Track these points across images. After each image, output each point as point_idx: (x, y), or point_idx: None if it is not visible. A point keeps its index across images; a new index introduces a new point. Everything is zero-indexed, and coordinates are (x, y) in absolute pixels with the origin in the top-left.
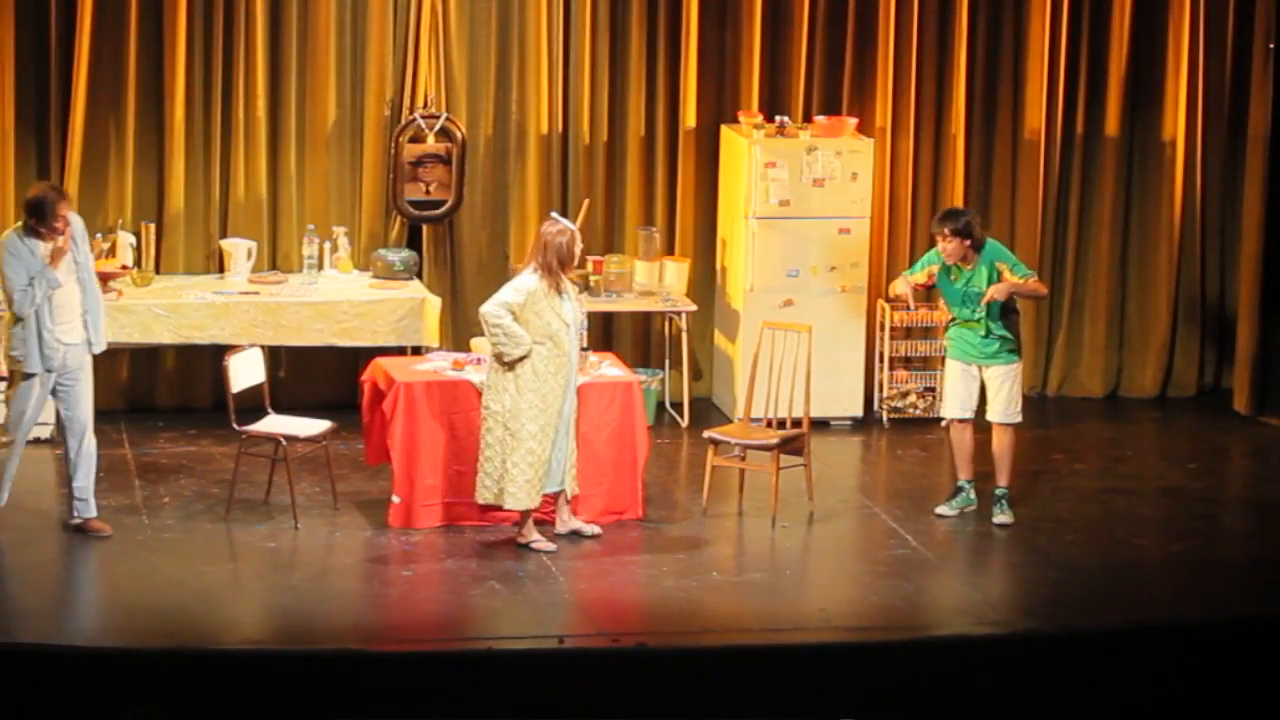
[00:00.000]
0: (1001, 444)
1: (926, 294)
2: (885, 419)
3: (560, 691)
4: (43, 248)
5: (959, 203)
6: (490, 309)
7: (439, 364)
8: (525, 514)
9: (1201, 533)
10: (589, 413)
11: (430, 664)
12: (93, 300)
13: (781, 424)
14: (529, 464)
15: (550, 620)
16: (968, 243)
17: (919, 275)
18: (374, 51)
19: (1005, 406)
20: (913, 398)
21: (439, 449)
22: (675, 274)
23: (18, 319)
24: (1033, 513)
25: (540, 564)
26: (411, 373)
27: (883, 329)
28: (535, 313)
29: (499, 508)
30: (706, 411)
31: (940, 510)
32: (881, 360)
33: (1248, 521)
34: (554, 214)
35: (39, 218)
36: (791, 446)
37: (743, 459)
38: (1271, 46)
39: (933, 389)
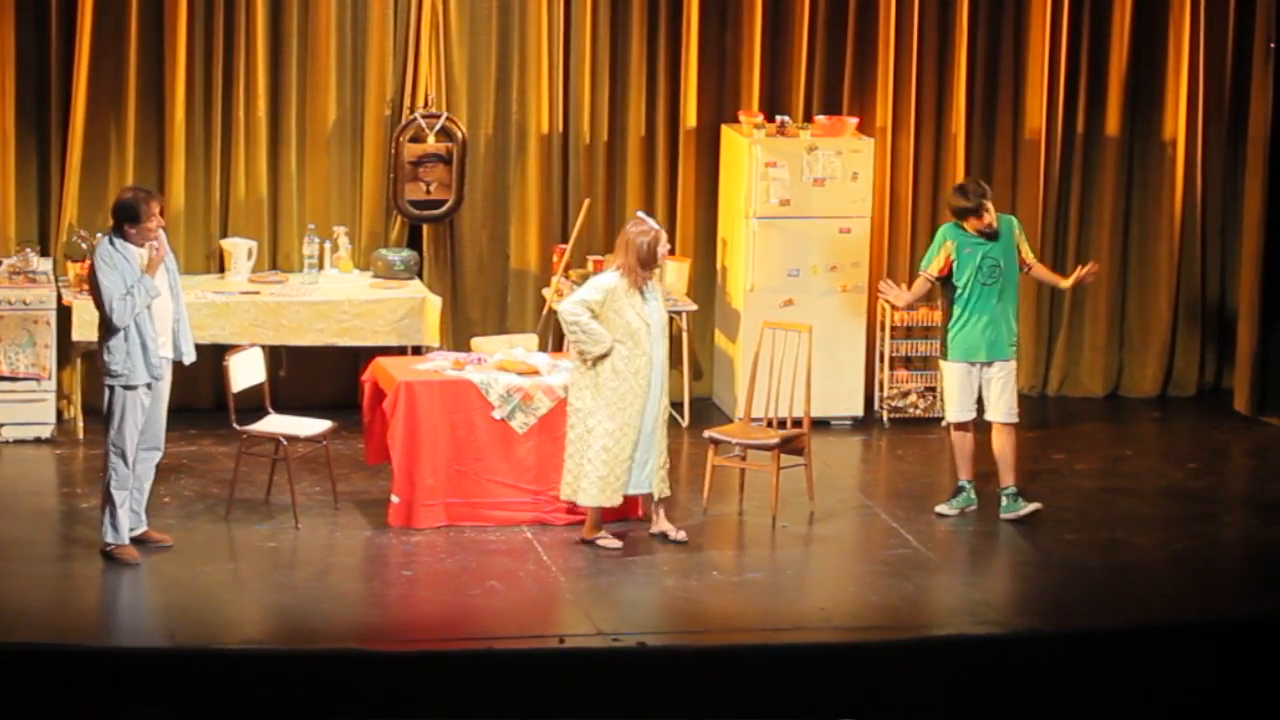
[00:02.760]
0: (1004, 444)
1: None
2: (886, 419)
3: (560, 691)
4: (138, 254)
5: None
6: (568, 307)
7: (440, 364)
8: (595, 511)
9: (1201, 533)
10: None
11: (430, 664)
12: (182, 309)
13: (782, 423)
14: (603, 461)
15: (550, 620)
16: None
17: (935, 265)
18: (374, 51)
19: (1008, 406)
20: (913, 397)
21: (439, 449)
22: (676, 274)
23: (115, 331)
24: (973, 515)
25: (540, 564)
26: (412, 372)
27: (883, 329)
28: (615, 311)
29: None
30: (707, 411)
31: (941, 510)
32: (882, 360)
33: (1248, 521)
34: (640, 213)
35: (132, 220)
36: (792, 446)
37: (743, 458)
38: (1272, 46)
39: (933, 389)
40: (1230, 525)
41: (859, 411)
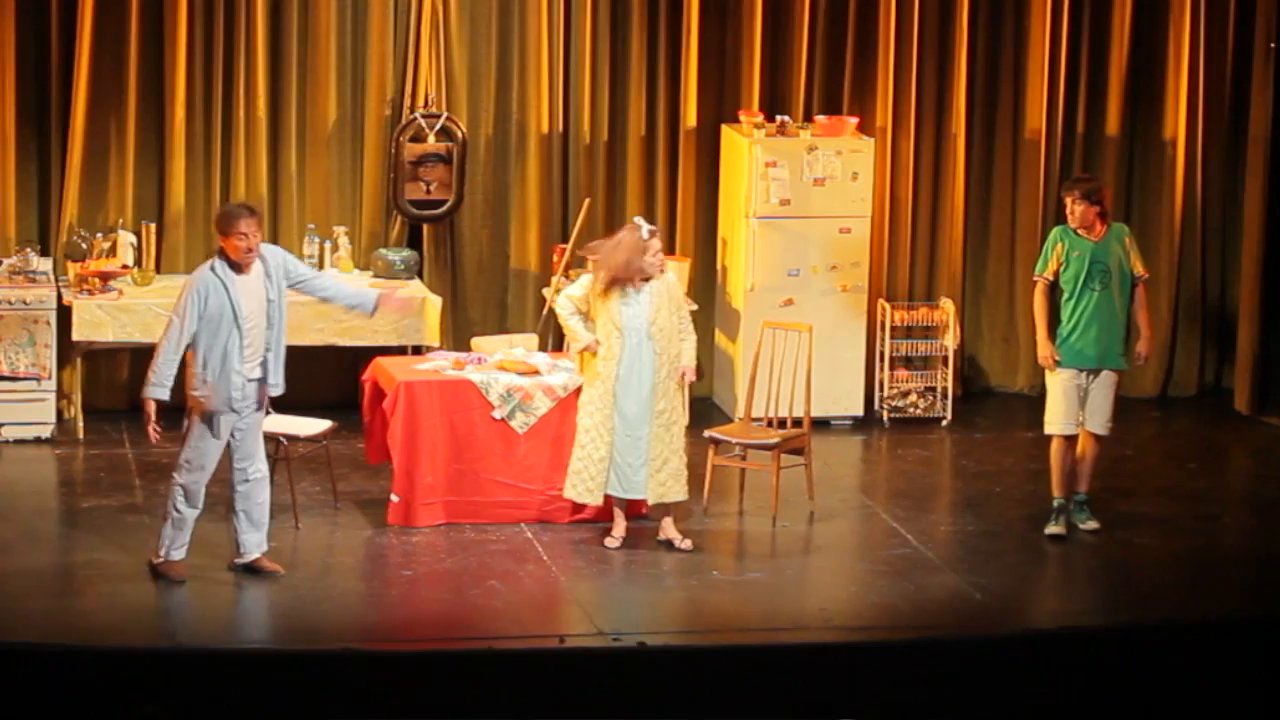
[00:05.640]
0: (1090, 452)
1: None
2: (885, 418)
3: (560, 691)
4: (240, 282)
5: (960, 201)
6: (559, 299)
7: (439, 363)
8: (618, 512)
9: (1202, 533)
10: None
11: (430, 664)
12: (279, 338)
13: (782, 423)
14: (579, 458)
15: (550, 620)
16: (1096, 209)
17: (1049, 268)
18: (374, 51)
19: (1105, 417)
20: (913, 397)
21: (439, 448)
22: (676, 273)
23: (163, 341)
24: (1034, 513)
25: (540, 564)
26: (412, 372)
27: (883, 328)
28: (598, 310)
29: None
30: (707, 411)
31: (1051, 531)
32: (882, 360)
33: (1248, 521)
34: (637, 219)
35: (221, 230)
36: (792, 446)
37: (743, 458)
38: (1272, 46)
39: (933, 389)
40: (1230, 525)
41: (859, 411)
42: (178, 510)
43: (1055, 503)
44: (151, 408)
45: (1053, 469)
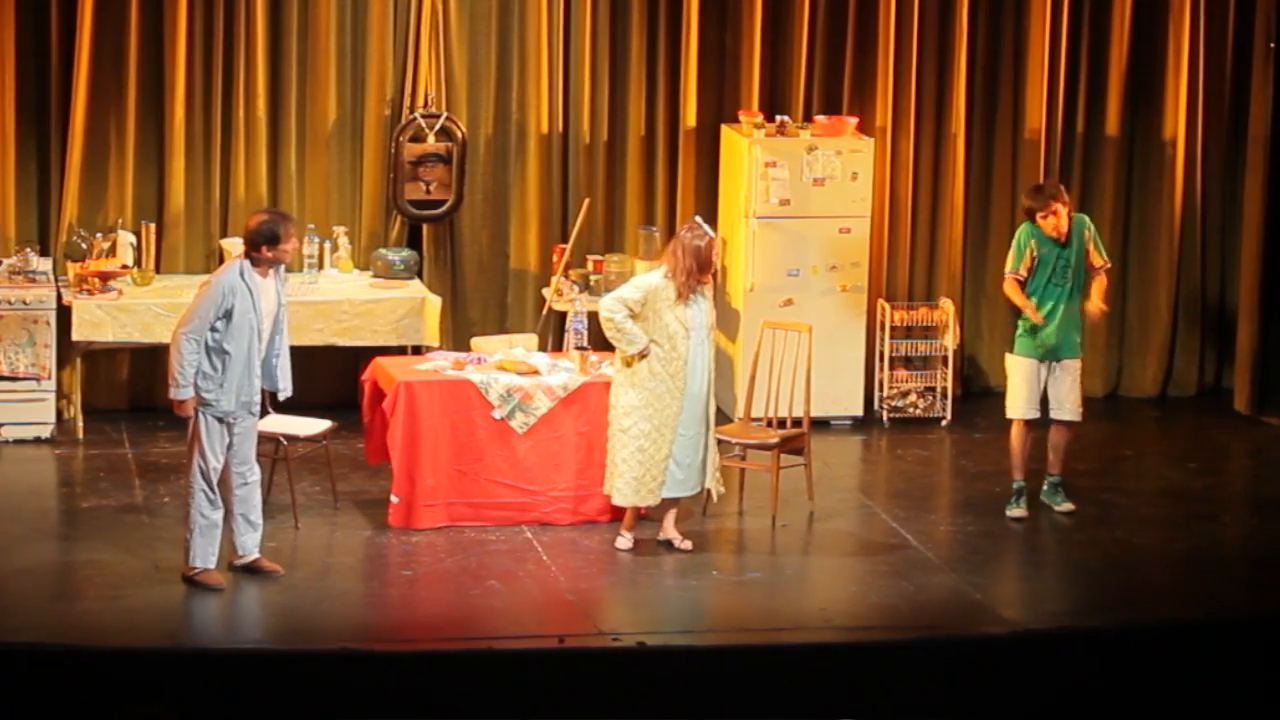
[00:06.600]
0: (1063, 439)
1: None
2: (885, 418)
3: (560, 691)
4: (262, 286)
5: (960, 201)
6: (606, 303)
7: (439, 363)
8: (631, 512)
9: (1201, 533)
10: (590, 412)
11: (430, 664)
12: (284, 344)
13: (782, 423)
14: (638, 462)
15: (550, 620)
16: (1069, 208)
17: (1024, 265)
18: (374, 51)
19: (1075, 404)
20: (913, 397)
21: (439, 449)
22: None
23: (180, 339)
24: (1033, 512)
25: (540, 564)
26: (412, 372)
27: (883, 328)
28: (654, 312)
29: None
30: None
31: (1014, 514)
32: (881, 360)
33: (1248, 521)
34: (697, 218)
35: (272, 242)
36: (792, 446)
37: (743, 458)
38: (1272, 46)
39: (933, 388)
40: (1230, 525)
41: (859, 411)
42: (204, 516)
43: (1015, 485)
44: (191, 406)
45: (1013, 452)
